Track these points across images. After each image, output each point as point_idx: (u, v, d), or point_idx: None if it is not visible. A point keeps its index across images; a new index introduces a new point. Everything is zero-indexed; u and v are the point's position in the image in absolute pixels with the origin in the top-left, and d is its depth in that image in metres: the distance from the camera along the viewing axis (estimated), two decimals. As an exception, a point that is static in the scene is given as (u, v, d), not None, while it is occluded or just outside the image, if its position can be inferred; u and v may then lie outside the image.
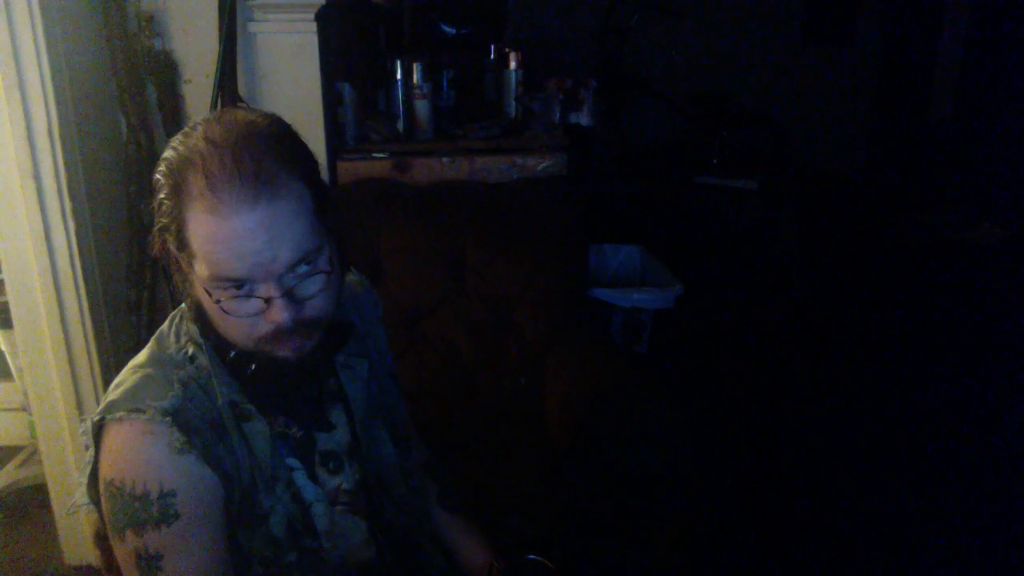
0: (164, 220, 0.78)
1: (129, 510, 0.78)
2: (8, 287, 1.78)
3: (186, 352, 0.85)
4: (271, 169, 0.75)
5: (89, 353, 1.81)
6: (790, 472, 2.27)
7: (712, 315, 3.02)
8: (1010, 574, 1.89)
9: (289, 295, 0.78)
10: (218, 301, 0.78)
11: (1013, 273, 3.34)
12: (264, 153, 0.75)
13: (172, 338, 0.88)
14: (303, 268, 0.78)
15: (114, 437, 0.80)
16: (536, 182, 2.07)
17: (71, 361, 1.81)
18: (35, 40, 1.61)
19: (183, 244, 0.77)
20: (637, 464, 1.45)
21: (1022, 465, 2.26)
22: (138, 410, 0.79)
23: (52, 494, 1.93)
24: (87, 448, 0.83)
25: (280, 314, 0.77)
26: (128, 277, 1.96)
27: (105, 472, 0.80)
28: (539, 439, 1.68)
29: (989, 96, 4.14)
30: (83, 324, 1.79)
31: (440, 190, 2.01)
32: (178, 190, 0.75)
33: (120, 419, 0.79)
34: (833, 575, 1.90)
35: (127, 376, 0.83)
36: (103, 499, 0.81)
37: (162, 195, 0.77)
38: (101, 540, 1.01)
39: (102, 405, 0.82)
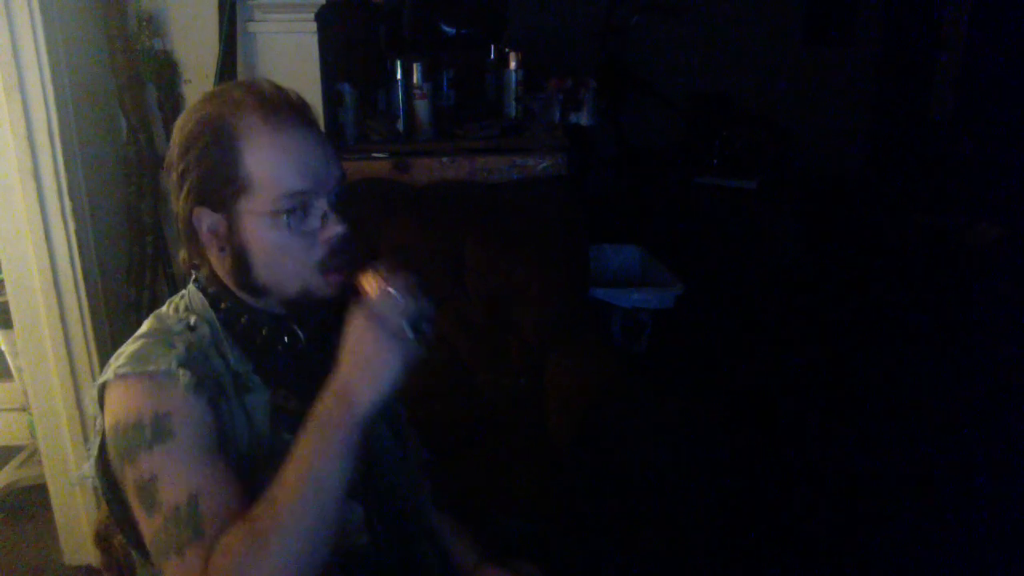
0: (206, 166, 0.81)
1: (126, 443, 0.77)
2: (8, 287, 1.78)
3: (187, 323, 0.87)
4: (303, 100, 0.86)
5: (89, 353, 1.81)
6: (790, 472, 2.27)
7: (712, 315, 3.02)
8: (1011, 574, 1.89)
9: (337, 210, 0.85)
10: (287, 216, 0.81)
11: (1013, 273, 3.34)
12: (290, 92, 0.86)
13: (171, 312, 0.89)
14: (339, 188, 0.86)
15: (118, 390, 0.80)
16: (536, 182, 2.07)
17: (71, 361, 1.80)
18: (35, 40, 1.61)
19: (236, 182, 0.81)
20: (637, 464, 1.45)
21: (1023, 464, 2.26)
22: (144, 365, 0.80)
23: (52, 494, 1.93)
24: (95, 417, 0.83)
25: (336, 226, 0.83)
26: (128, 277, 1.96)
27: (109, 423, 0.80)
28: (539, 439, 1.68)
29: (989, 96, 4.14)
30: (83, 324, 1.79)
31: (440, 190, 2.01)
32: (224, 132, 0.81)
33: (125, 375, 0.80)
34: (833, 575, 1.90)
35: (128, 346, 0.84)
36: (109, 451, 0.80)
37: (200, 146, 0.81)
38: (101, 540, 1.01)
39: (106, 370, 0.82)
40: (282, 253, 0.83)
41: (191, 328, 0.86)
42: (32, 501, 2.16)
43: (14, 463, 2.23)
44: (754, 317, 3.13)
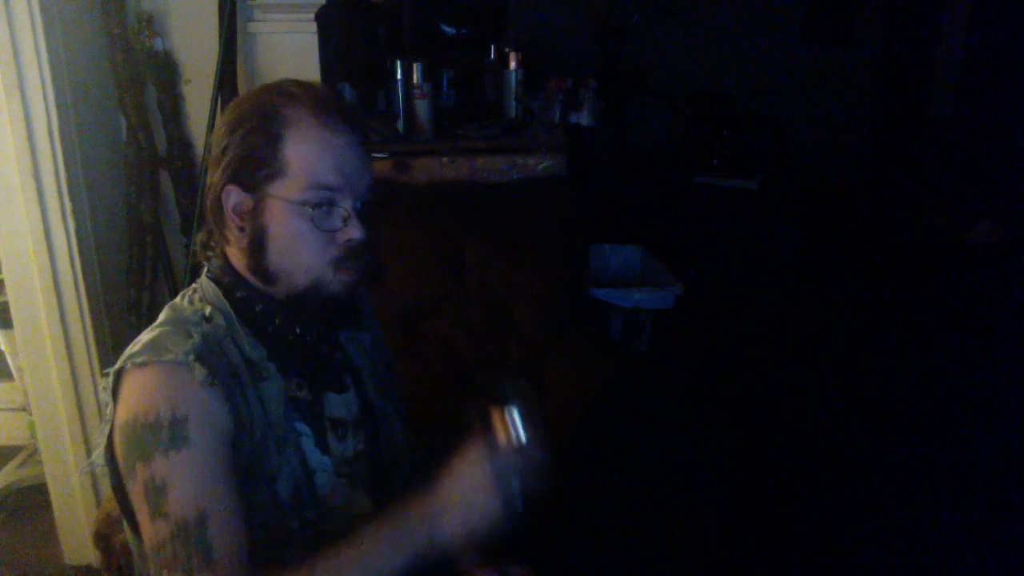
0: (247, 147, 0.84)
1: (140, 441, 0.77)
2: (8, 287, 1.78)
3: (203, 313, 0.88)
4: (355, 105, 0.91)
5: (89, 353, 1.81)
6: (790, 472, 2.27)
7: (712, 315, 3.02)
8: (1011, 574, 1.89)
9: (361, 215, 0.87)
10: (312, 209, 0.84)
11: (1013, 273, 3.34)
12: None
13: (186, 304, 0.90)
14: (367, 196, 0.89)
15: (134, 380, 0.81)
16: (536, 182, 2.07)
17: (71, 361, 1.81)
18: (35, 40, 1.61)
19: (272, 166, 0.84)
20: (637, 464, 1.45)
21: (1022, 465, 2.26)
22: (161, 354, 0.81)
23: (52, 494, 1.93)
24: (106, 405, 0.83)
25: (357, 230, 0.86)
26: (128, 277, 1.96)
27: (121, 417, 0.80)
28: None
29: (989, 96, 4.14)
30: (83, 324, 1.79)
31: (440, 190, 2.01)
32: (272, 119, 0.84)
33: (142, 364, 0.81)
34: (833, 575, 1.90)
35: (144, 335, 0.85)
36: (118, 447, 0.80)
37: (245, 129, 0.84)
38: (101, 540, 1.01)
39: (122, 358, 0.83)
40: (299, 243, 0.85)
41: (207, 319, 0.87)
42: (32, 501, 2.16)
43: (14, 463, 2.23)
44: (754, 317, 3.14)
